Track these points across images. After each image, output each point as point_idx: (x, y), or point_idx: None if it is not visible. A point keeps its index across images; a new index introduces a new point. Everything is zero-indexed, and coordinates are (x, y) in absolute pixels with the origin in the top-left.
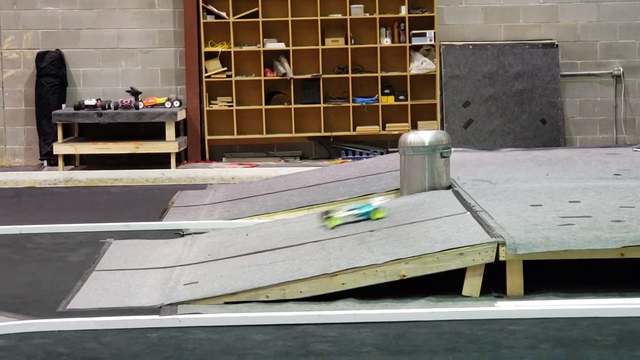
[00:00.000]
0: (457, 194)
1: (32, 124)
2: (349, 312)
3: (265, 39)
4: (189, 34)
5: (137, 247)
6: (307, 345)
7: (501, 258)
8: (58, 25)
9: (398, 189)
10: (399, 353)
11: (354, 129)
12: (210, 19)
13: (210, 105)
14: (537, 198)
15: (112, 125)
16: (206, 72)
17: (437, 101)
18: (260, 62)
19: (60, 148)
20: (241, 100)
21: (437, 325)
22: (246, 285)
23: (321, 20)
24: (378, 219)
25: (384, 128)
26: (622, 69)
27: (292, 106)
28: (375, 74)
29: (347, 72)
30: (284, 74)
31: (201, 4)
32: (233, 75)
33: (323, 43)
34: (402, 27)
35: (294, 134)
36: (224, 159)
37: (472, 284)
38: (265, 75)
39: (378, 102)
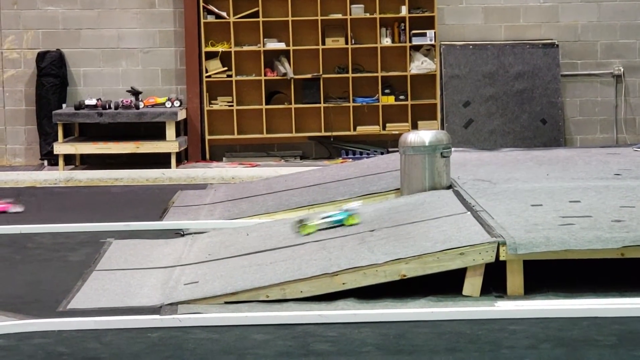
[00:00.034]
0: (458, 194)
1: (33, 124)
2: (350, 312)
3: (265, 39)
4: (190, 34)
5: (137, 246)
6: (308, 345)
7: (501, 258)
8: (58, 25)
9: (398, 189)
10: (400, 353)
11: (354, 129)
12: (211, 18)
13: (211, 105)
14: (538, 198)
15: (113, 125)
16: (206, 72)
17: (438, 101)
18: (260, 62)
19: (61, 148)
20: (241, 100)
21: (437, 325)
22: (246, 285)
23: (321, 20)
24: (352, 225)
25: (384, 128)
26: (622, 69)
27: (293, 106)
28: (375, 74)
29: (347, 72)
30: (284, 74)
31: (201, 3)
32: (233, 75)
33: (323, 43)
34: (403, 27)
35: (294, 134)
36: (224, 158)
37: (473, 283)
38: (265, 75)
39: (378, 102)
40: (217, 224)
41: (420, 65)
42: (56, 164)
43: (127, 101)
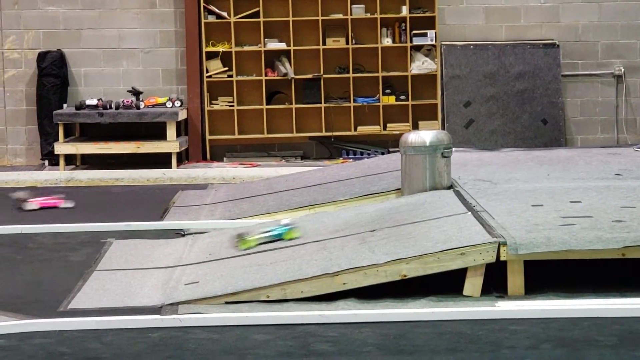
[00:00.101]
0: (458, 194)
1: (34, 124)
2: (350, 312)
3: (266, 39)
4: (190, 34)
5: (138, 247)
6: (308, 345)
7: (502, 258)
8: (59, 25)
9: (399, 189)
10: (400, 353)
11: (355, 129)
12: (212, 19)
13: (211, 105)
14: (538, 198)
15: (113, 125)
16: (207, 72)
17: (438, 101)
18: (261, 62)
19: (62, 148)
20: (242, 100)
21: (438, 325)
22: (247, 285)
23: (322, 20)
24: (291, 239)
25: (385, 128)
26: (623, 69)
27: (293, 106)
28: (376, 74)
29: (348, 72)
30: (285, 74)
31: (202, 4)
32: (234, 75)
33: (324, 43)
34: (403, 27)
35: (295, 134)
36: (225, 158)
37: (473, 283)
38: (266, 75)
39: (379, 102)
40: (217, 224)
41: (421, 65)
42: (57, 164)
43: (127, 101)
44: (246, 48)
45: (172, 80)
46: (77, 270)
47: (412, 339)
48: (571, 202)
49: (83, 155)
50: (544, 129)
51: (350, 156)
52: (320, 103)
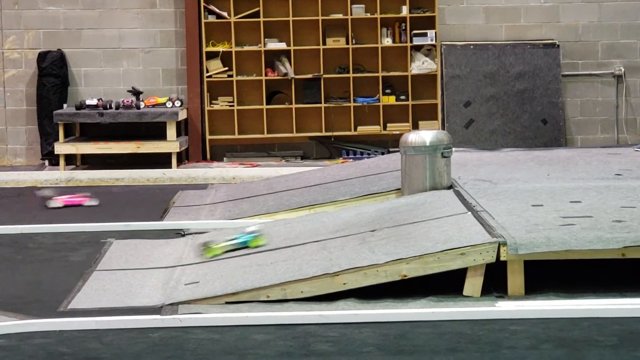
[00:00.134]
0: (458, 194)
1: (34, 124)
2: (350, 312)
3: (266, 39)
4: (190, 34)
5: (138, 247)
6: (308, 345)
7: (502, 258)
8: (59, 25)
9: (399, 189)
10: (400, 353)
11: (355, 129)
12: (212, 18)
13: (212, 105)
14: (538, 198)
15: (114, 125)
16: (207, 72)
17: (438, 101)
18: (261, 62)
19: (62, 148)
20: (242, 100)
21: (438, 326)
22: (247, 285)
23: (322, 20)
24: (257, 246)
25: (385, 128)
26: (623, 69)
27: (293, 106)
28: (376, 74)
29: (348, 72)
30: (285, 74)
31: (202, 3)
32: (234, 75)
33: (324, 43)
34: (403, 27)
35: (295, 134)
36: (225, 158)
37: (473, 284)
38: (266, 75)
39: (379, 102)
40: (217, 224)
41: (421, 65)
42: (57, 164)
43: (128, 101)
44: (246, 48)
45: (172, 80)
46: (77, 270)
47: (412, 339)
48: (571, 202)
49: (83, 155)
50: (544, 129)
51: (350, 156)
52: (320, 103)
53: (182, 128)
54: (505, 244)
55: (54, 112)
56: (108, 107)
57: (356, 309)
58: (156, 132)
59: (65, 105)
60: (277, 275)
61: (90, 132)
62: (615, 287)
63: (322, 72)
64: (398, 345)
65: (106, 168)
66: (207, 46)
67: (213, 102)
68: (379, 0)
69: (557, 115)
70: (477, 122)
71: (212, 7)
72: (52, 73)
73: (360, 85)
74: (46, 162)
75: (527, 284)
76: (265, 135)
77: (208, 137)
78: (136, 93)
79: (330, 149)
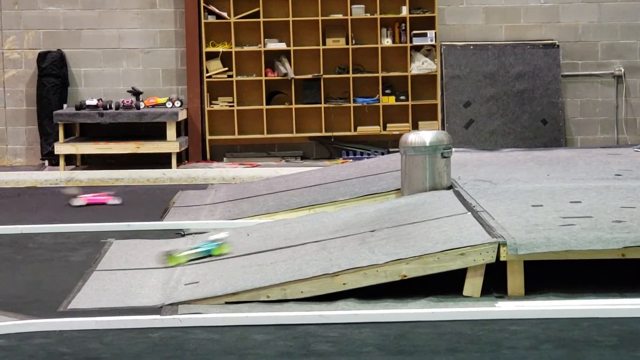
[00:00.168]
0: (458, 194)
1: (34, 124)
2: (350, 312)
3: (266, 39)
4: (190, 34)
5: (138, 247)
6: (308, 345)
7: (502, 258)
8: (59, 26)
9: (399, 189)
10: (400, 353)
11: (355, 129)
12: (212, 19)
13: (211, 105)
14: (538, 198)
15: (113, 125)
16: (207, 72)
17: (438, 101)
18: (261, 62)
19: (62, 148)
20: (242, 100)
21: (438, 326)
22: (247, 285)
23: (322, 20)
24: (221, 254)
25: (384, 128)
26: (623, 69)
27: (293, 106)
28: (376, 74)
29: (348, 72)
30: (285, 74)
31: (202, 4)
32: (234, 75)
33: (324, 43)
34: (403, 27)
35: (294, 134)
36: (224, 159)
37: (473, 284)
38: (266, 76)
39: (379, 102)
40: (217, 224)
41: (420, 65)
42: (57, 164)
43: (127, 101)
44: (246, 48)
45: (172, 80)
46: (77, 270)
47: (412, 339)
48: (571, 202)
49: (83, 156)
50: (544, 129)
51: (350, 156)
52: (320, 103)
53: (182, 128)
54: (505, 244)
55: (54, 112)
56: (108, 107)
57: (356, 309)
58: (156, 132)
59: (65, 106)
60: (277, 275)
61: (90, 133)
62: (615, 288)
63: (322, 73)
64: (398, 346)
65: (106, 168)
66: (207, 46)
67: (213, 102)
68: (379, 1)
69: (557, 115)
70: (477, 123)
71: (212, 8)
72: (52, 73)
73: (360, 86)
74: (46, 162)
75: (527, 284)
76: (265, 136)
77: (208, 137)
78: (136, 93)
79: (330, 149)
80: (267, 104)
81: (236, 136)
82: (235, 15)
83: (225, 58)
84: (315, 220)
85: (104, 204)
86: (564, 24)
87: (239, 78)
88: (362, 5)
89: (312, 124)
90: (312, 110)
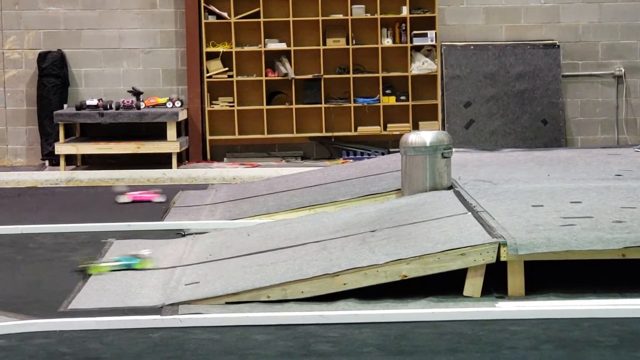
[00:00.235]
0: (458, 195)
1: (34, 124)
2: (350, 312)
3: (266, 39)
4: (191, 34)
5: (138, 247)
6: (309, 345)
7: (502, 258)
8: (60, 26)
9: (399, 189)
10: (401, 353)
11: (355, 129)
12: (212, 19)
13: (212, 106)
14: (539, 198)
15: (114, 125)
16: (207, 72)
17: (439, 101)
18: (261, 62)
19: (62, 148)
20: (242, 100)
21: (438, 326)
22: (247, 286)
23: (322, 20)
24: (143, 268)
25: (385, 128)
26: (623, 70)
27: (294, 106)
28: (376, 75)
29: (348, 73)
30: (285, 74)
31: (202, 4)
32: (234, 75)
33: (324, 43)
34: (404, 28)
35: (295, 134)
36: (225, 159)
37: (473, 284)
38: (266, 76)
39: (379, 102)
40: (218, 224)
41: (421, 65)
42: (57, 164)
43: (128, 101)
44: (246, 48)
45: (173, 80)
46: (77, 271)
47: (413, 339)
48: (571, 202)
49: (83, 156)
50: (544, 129)
51: (350, 156)
52: (321, 103)
53: (183, 128)
54: (505, 244)
55: (55, 112)
56: (108, 107)
57: (356, 309)
58: (156, 132)
59: (65, 106)
60: (277, 275)
61: (91, 133)
62: (616, 288)
63: (322, 73)
64: (398, 346)
65: (106, 168)
66: (207, 46)
67: (213, 102)
68: (379, 1)
69: (558, 115)
70: (477, 123)
71: (212, 8)
72: (53, 73)
73: (360, 86)
74: (46, 163)
75: (528, 284)
76: (266, 136)
77: (208, 137)
78: (136, 93)
79: (331, 149)
80: (267, 104)
81: (236, 136)
82: (235, 15)
83: (226, 58)
84: (316, 220)
85: (149, 201)
86: (565, 24)
87: (240, 78)
88: (363, 6)
89: (312, 124)
90: (313, 111)
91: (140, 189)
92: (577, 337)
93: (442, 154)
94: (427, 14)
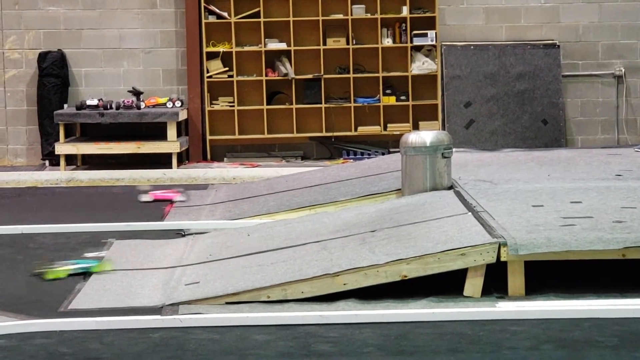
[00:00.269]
0: (459, 195)
1: (34, 124)
2: (351, 312)
3: (266, 39)
4: (191, 34)
5: (138, 247)
6: (309, 345)
7: (502, 258)
8: (60, 26)
9: (399, 189)
10: (401, 354)
11: (356, 129)
12: (212, 19)
13: (212, 106)
14: (539, 198)
15: (114, 125)
16: (208, 72)
17: (439, 101)
18: (261, 62)
19: (62, 148)
20: (242, 100)
21: (438, 326)
22: (247, 286)
23: (322, 20)
24: (102, 271)
25: (385, 128)
26: (623, 70)
27: (294, 106)
28: (376, 74)
29: (348, 72)
30: (286, 74)
31: (203, 4)
32: (234, 75)
33: (324, 43)
34: (404, 28)
35: (295, 134)
36: (225, 159)
37: (474, 284)
38: (266, 76)
39: (379, 102)
40: (218, 225)
41: (421, 65)
42: (57, 164)
43: (128, 101)
44: (246, 48)
45: (173, 80)
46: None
47: (413, 339)
48: (572, 202)
49: (84, 156)
50: (545, 129)
51: (350, 156)
52: (321, 103)
53: (183, 128)
54: (505, 244)
55: (55, 112)
56: (108, 107)
57: (357, 309)
58: (157, 132)
59: (65, 106)
60: (277, 275)
61: (91, 133)
62: (616, 288)
63: (322, 73)
64: (399, 346)
65: (107, 168)
66: (207, 46)
67: (213, 102)
68: (379, 1)
69: (558, 115)
70: (478, 123)
71: (212, 8)
72: (53, 73)
73: (360, 86)
74: (47, 162)
75: (528, 284)
76: (266, 136)
77: (208, 137)
78: (137, 93)
79: (331, 149)
80: (267, 104)
81: (237, 136)
82: (235, 15)
83: (226, 58)
84: (316, 220)
85: (170, 200)
86: (565, 24)
87: (240, 78)
88: (363, 5)
89: (312, 124)
90: (313, 110)
91: (161, 188)
92: (577, 337)
93: (443, 154)
94: (427, 14)
